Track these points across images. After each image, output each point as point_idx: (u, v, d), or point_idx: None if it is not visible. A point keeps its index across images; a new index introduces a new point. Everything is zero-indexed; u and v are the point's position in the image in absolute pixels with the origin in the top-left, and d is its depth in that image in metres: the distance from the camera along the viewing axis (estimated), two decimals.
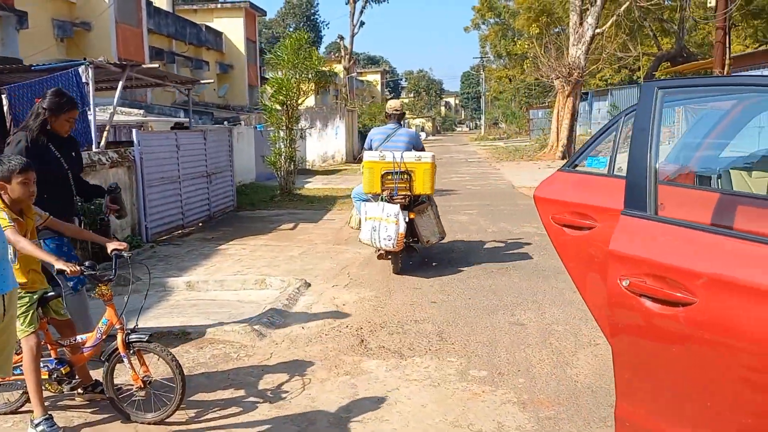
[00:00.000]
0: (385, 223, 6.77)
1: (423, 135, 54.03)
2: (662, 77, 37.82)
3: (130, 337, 3.55)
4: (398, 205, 6.84)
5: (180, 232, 10.03)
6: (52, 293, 3.56)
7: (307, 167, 23.38)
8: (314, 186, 17.27)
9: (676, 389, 2.21)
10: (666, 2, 31.49)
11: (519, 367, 4.46)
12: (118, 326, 3.55)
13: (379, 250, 7.22)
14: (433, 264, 7.76)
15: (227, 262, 8.00)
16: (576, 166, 3.50)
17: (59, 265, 3.34)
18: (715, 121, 3.44)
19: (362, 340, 5.10)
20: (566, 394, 4.02)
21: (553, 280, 6.79)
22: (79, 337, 3.65)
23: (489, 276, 7.03)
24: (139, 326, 3.76)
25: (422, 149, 7.55)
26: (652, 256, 2.21)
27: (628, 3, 26.92)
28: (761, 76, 2.20)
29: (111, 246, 3.64)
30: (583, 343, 4.91)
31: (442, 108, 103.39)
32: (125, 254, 3.62)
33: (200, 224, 10.85)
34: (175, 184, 9.93)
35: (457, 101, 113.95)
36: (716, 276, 1.99)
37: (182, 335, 5.13)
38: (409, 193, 6.98)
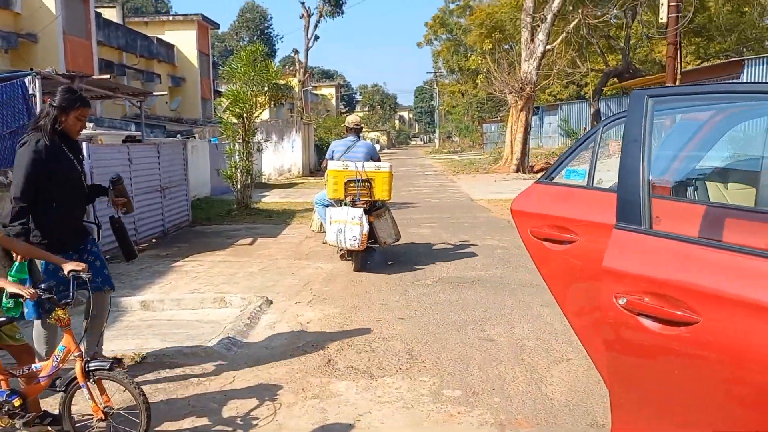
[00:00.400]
0: (351, 225, 7.45)
1: (377, 147, 54.30)
2: (609, 93, 38.82)
3: (89, 364, 3.29)
4: (361, 209, 7.54)
5: None
6: (3, 318, 3.27)
7: (263, 181, 23.02)
8: (271, 200, 16.98)
9: (677, 409, 2.11)
10: (612, 20, 32.28)
11: (493, 386, 4.34)
12: (76, 353, 3.28)
13: (341, 251, 8.13)
14: (389, 263, 8.38)
15: (184, 279, 7.69)
16: (553, 178, 3.42)
17: (12, 288, 3.08)
18: (692, 132, 3.40)
19: (329, 360, 4.91)
20: (544, 412, 3.91)
21: (519, 293, 6.72)
22: (33, 366, 3.36)
23: (455, 290, 6.92)
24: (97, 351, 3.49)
25: (378, 159, 8.24)
26: (650, 273, 2.11)
27: (576, 20, 27.56)
28: (754, 83, 2.14)
29: (68, 267, 3.37)
30: (556, 358, 4.83)
31: (396, 122, 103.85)
32: (83, 275, 3.36)
33: (154, 240, 10.47)
34: None
35: (410, 115, 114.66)
36: (721, 293, 1.90)
37: (138, 359, 4.85)
38: (369, 198, 7.73)
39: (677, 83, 13.60)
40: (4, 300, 3.71)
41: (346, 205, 7.66)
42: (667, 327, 2.03)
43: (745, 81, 18.13)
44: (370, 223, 7.64)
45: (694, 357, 1.96)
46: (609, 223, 2.91)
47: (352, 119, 8.90)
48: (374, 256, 8.46)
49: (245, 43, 56.37)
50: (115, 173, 4.46)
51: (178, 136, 21.45)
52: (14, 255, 3.76)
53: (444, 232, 10.94)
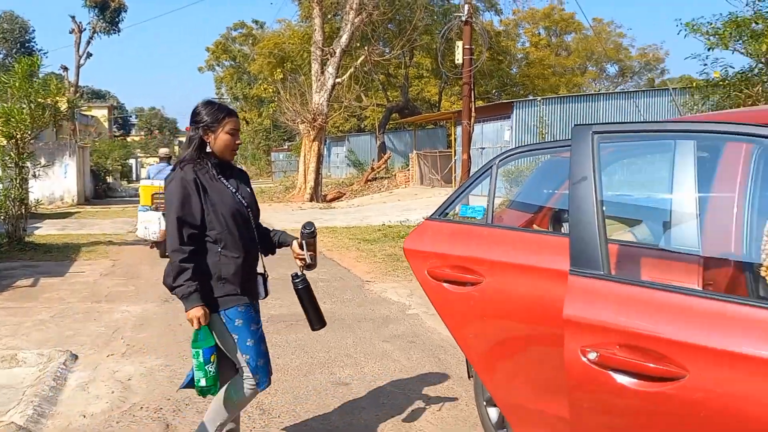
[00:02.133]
0: (153, 223, 10.20)
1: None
2: (389, 127, 40.88)
3: None
4: (161, 212, 9.75)
5: None
6: None
7: (31, 210, 20.28)
8: (47, 232, 14.93)
9: None
10: (392, 59, 34.13)
11: None
12: None
13: (149, 242, 10.77)
14: None
15: None
16: (447, 214, 3.25)
17: None
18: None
19: (168, 425, 4.22)
20: None
21: (357, 329, 6.50)
22: None
23: (290, 330, 6.50)
24: None
25: None
26: (623, 323, 1.97)
27: (363, 57, 28.74)
28: (695, 121, 2.14)
29: None
30: (414, 399, 4.65)
31: (176, 147, 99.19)
32: None
33: None
34: None
35: None
36: (709, 346, 1.81)
37: None
38: None
39: (472, 120, 14.67)
40: (198, 378, 3.01)
41: (151, 209, 10.39)
42: (647, 383, 1.90)
43: (514, 120, 20.15)
44: None
45: (680, 416, 1.84)
46: (518, 262, 2.79)
47: (163, 151, 12.41)
48: None
49: (1, 56, 50.25)
50: (309, 222, 3.47)
51: None
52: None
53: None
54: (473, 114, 14.02)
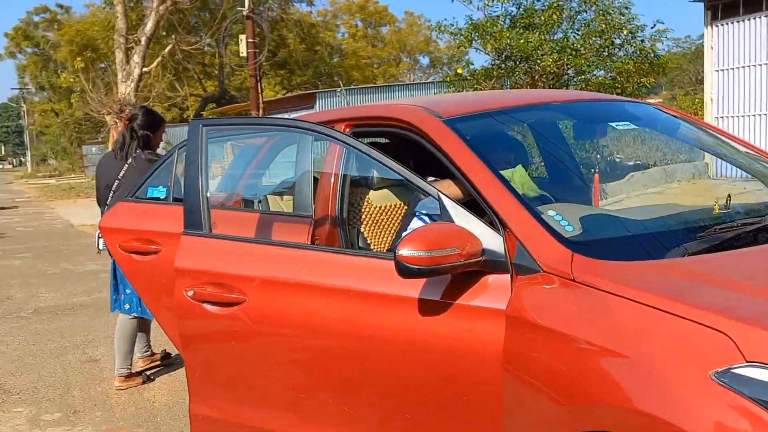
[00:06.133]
0: None
1: None
2: (209, 116, 40.30)
3: None
4: None
5: None
6: None
7: None
8: None
9: (239, 378, 2.68)
10: (206, 48, 33.71)
11: (95, 402, 4.46)
12: None
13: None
14: None
15: None
16: (137, 195, 3.77)
17: None
18: (251, 154, 4.12)
19: None
20: (144, 416, 4.20)
21: None
22: None
23: (55, 319, 6.67)
24: None
25: None
26: (210, 267, 2.65)
27: (171, 46, 28.13)
28: (284, 117, 2.86)
29: None
30: (159, 364, 5.14)
31: None
32: None
33: None
34: None
35: None
36: (260, 277, 2.54)
37: None
38: None
39: (261, 111, 15.20)
40: None
41: None
42: (224, 308, 2.59)
43: (317, 110, 21.04)
44: None
45: (247, 331, 2.56)
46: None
47: None
48: None
49: None
50: None
51: None
52: None
53: (41, 261, 10.23)
54: (261, 105, 14.59)
